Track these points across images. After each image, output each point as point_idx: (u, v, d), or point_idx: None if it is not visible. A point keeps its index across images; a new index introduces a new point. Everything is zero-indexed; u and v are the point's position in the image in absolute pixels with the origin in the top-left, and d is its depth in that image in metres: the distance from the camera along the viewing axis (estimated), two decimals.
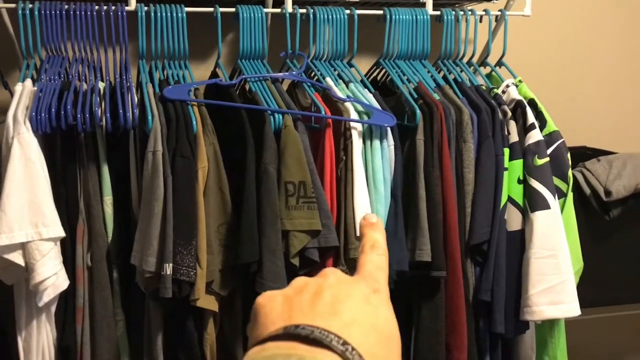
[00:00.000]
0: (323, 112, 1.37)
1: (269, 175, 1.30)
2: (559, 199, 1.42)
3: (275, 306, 0.50)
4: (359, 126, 1.37)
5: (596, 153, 1.93)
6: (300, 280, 0.53)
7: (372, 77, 1.72)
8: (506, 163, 1.42)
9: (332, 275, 0.52)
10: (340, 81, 1.51)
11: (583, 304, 1.83)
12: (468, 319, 1.40)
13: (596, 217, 1.71)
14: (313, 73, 1.56)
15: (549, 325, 1.53)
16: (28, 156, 1.24)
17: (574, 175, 1.71)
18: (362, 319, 0.48)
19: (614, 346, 2.33)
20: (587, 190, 1.68)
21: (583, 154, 2.02)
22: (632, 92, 2.20)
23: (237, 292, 1.38)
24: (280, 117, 1.34)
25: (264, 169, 1.30)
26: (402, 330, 1.41)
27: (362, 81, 1.54)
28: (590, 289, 1.79)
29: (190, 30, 1.50)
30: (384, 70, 1.67)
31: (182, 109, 1.32)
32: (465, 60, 1.67)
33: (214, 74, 1.58)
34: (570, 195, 1.45)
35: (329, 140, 1.36)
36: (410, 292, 1.43)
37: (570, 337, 2.19)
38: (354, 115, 1.38)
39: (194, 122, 1.31)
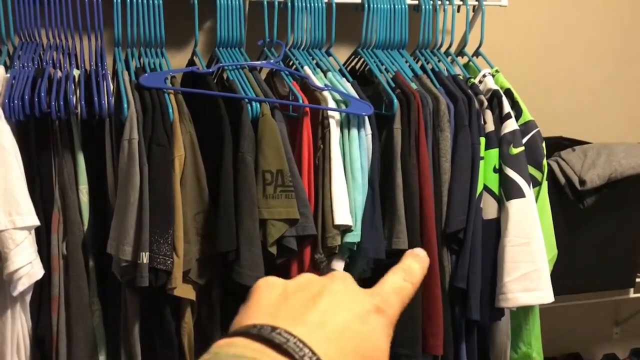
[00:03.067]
0: (301, 101, 1.37)
1: (246, 163, 1.30)
2: (533, 187, 1.44)
3: (270, 296, 0.47)
4: (336, 115, 1.37)
5: (572, 143, 1.96)
6: (305, 277, 0.49)
7: (350, 67, 1.72)
8: (482, 152, 1.43)
9: (340, 281, 0.48)
10: (319, 70, 1.51)
11: (558, 292, 1.86)
12: (444, 306, 1.42)
13: (571, 206, 1.73)
14: (291, 62, 1.55)
15: (523, 313, 1.55)
16: (1, 144, 1.23)
17: (549, 165, 1.73)
18: (348, 338, 0.44)
19: (588, 333, 2.37)
20: (562, 180, 1.70)
21: (559, 144, 2.05)
22: (609, 82, 2.22)
23: (215, 281, 1.38)
24: (258, 105, 1.34)
25: (241, 157, 1.30)
26: None
27: (340, 70, 1.54)
28: (564, 276, 1.82)
29: (168, 17, 1.48)
30: (362, 60, 1.67)
31: (159, 97, 1.31)
32: (443, 50, 1.68)
33: (191, 62, 1.57)
34: (544, 184, 1.47)
35: (306, 129, 1.36)
36: None
37: (545, 324, 2.22)
38: (331, 104, 1.38)
39: (170, 110, 1.30)
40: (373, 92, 1.52)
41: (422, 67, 1.59)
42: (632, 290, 1.95)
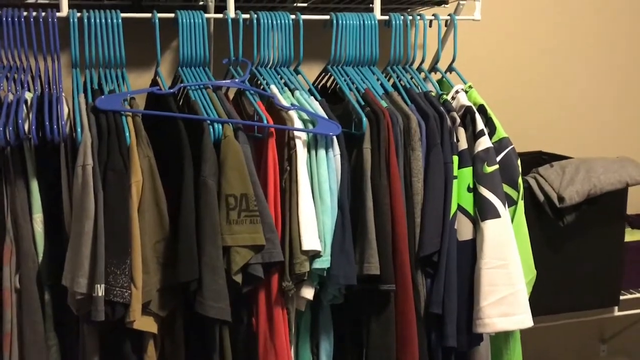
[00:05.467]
0: (265, 121, 1.31)
1: (208, 188, 1.24)
2: (509, 207, 1.39)
3: None
4: (303, 135, 1.32)
5: (552, 158, 1.92)
6: None
7: (321, 84, 1.67)
8: (455, 171, 1.38)
9: None
10: (286, 89, 1.46)
11: (541, 312, 1.81)
12: (420, 333, 1.36)
13: (551, 224, 1.69)
14: (259, 81, 1.50)
15: (504, 336, 1.50)
16: None
17: (527, 182, 1.69)
18: None
19: (574, 352, 2.32)
20: (541, 197, 1.65)
21: (539, 159, 2.01)
22: (587, 95, 2.20)
23: (178, 312, 1.31)
24: (220, 127, 1.28)
25: (202, 181, 1.24)
26: (352, 346, 1.35)
27: (309, 89, 1.49)
28: (547, 296, 1.77)
29: (131, 37, 1.43)
30: (333, 77, 1.61)
31: (115, 120, 1.25)
32: (415, 66, 1.63)
33: (154, 83, 1.51)
34: (520, 203, 1.42)
35: (272, 151, 1.30)
36: (360, 306, 1.38)
37: (529, 344, 2.17)
38: (297, 124, 1.32)
39: (127, 134, 1.24)
40: (343, 110, 1.47)
41: (394, 84, 1.55)
42: (616, 308, 1.90)
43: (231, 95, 1.55)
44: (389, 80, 1.59)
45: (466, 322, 1.38)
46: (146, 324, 1.26)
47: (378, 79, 1.55)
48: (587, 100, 2.19)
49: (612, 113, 2.23)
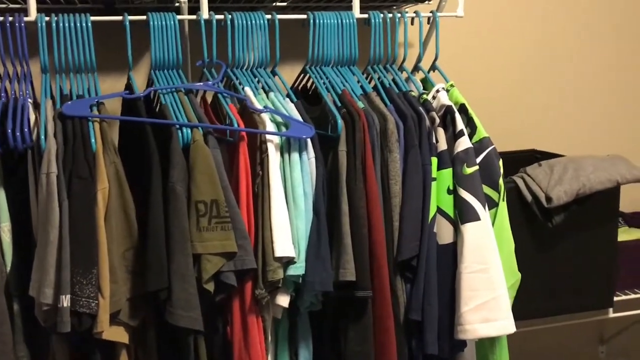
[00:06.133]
0: (236, 125, 1.28)
1: (177, 194, 1.20)
2: (490, 209, 1.34)
3: None
4: (275, 139, 1.28)
5: (546, 156, 1.87)
6: None
7: (302, 85, 1.63)
8: (434, 173, 1.34)
9: None
10: (261, 91, 1.43)
11: (532, 315, 1.77)
12: (400, 340, 1.32)
13: (540, 225, 1.64)
14: (234, 83, 1.46)
15: (489, 342, 1.45)
16: None
17: (514, 182, 1.64)
18: None
19: (572, 354, 2.27)
20: (529, 197, 1.60)
21: (532, 157, 1.96)
22: (581, 91, 2.14)
23: (150, 322, 1.28)
24: (189, 131, 1.25)
25: (170, 188, 1.20)
26: (332, 353, 1.31)
27: (288, 91, 1.46)
28: (538, 298, 1.73)
29: (108, 41, 1.40)
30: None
31: (81, 126, 1.22)
32: (397, 65, 1.59)
33: (128, 86, 1.48)
34: (502, 204, 1.37)
35: (243, 155, 1.27)
36: (338, 313, 1.34)
37: (526, 346, 2.13)
38: (270, 126, 1.29)
39: (93, 140, 1.21)
40: (320, 112, 1.44)
41: (375, 85, 1.51)
42: (611, 310, 1.85)
43: (209, 99, 1.51)
44: (369, 80, 1.55)
45: (448, 328, 1.34)
46: (116, 334, 1.23)
47: (358, 80, 1.52)
48: (580, 97, 2.14)
49: (606, 110, 2.18)
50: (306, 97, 1.58)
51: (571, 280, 1.74)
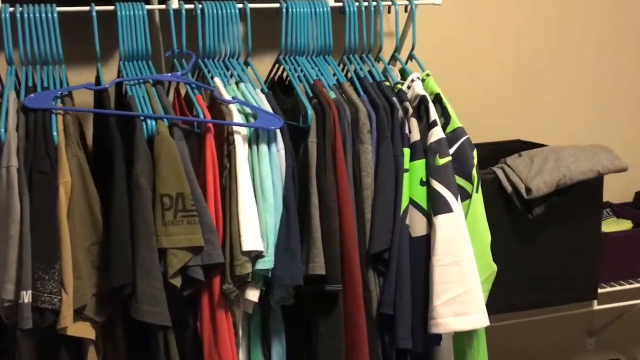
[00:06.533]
0: (202, 116, 1.25)
1: (140, 188, 1.18)
2: (463, 200, 1.32)
3: None
4: (243, 130, 1.26)
5: (531, 147, 1.84)
6: None
7: (277, 76, 1.60)
8: (407, 164, 1.31)
9: None
10: (232, 81, 1.40)
11: (512, 308, 1.75)
12: (372, 335, 1.30)
13: (521, 216, 1.61)
14: (204, 73, 1.44)
15: (467, 335, 1.43)
16: None
17: (494, 172, 1.61)
18: None
19: (560, 346, 2.24)
20: (509, 188, 1.58)
21: (518, 148, 1.93)
22: (564, 80, 2.11)
23: (118, 317, 1.26)
24: (154, 123, 1.22)
25: (134, 181, 1.18)
26: (306, 348, 1.28)
27: (259, 82, 1.43)
28: (522, 291, 1.70)
29: (74, 31, 1.37)
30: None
31: (44, 119, 1.20)
32: (374, 54, 1.56)
33: (98, 78, 1.45)
34: (475, 196, 1.34)
35: (210, 147, 1.24)
36: (310, 307, 1.32)
37: (512, 340, 2.10)
38: (237, 117, 1.26)
39: (55, 133, 1.18)
40: (293, 103, 1.41)
41: (352, 75, 1.48)
42: (595, 302, 1.82)
43: (183, 91, 1.49)
44: (345, 70, 1.52)
45: (422, 322, 1.31)
46: (82, 330, 1.21)
47: (333, 71, 1.49)
48: (567, 87, 2.10)
49: (593, 99, 2.14)
50: (281, 88, 1.55)
51: (555, 272, 1.72)
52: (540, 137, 1.95)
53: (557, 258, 1.70)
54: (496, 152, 1.77)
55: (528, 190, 1.53)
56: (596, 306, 1.83)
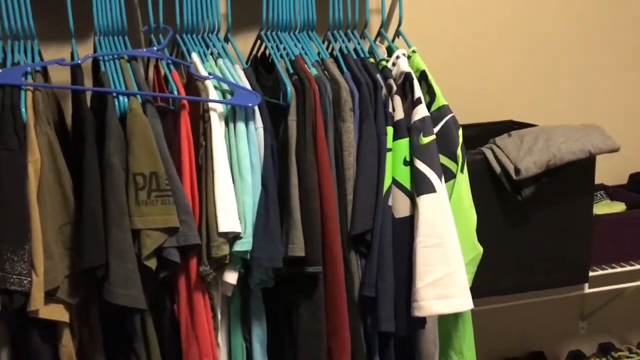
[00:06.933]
0: (176, 92, 1.21)
1: (112, 167, 1.14)
2: (447, 180, 1.28)
3: None
4: (219, 107, 1.22)
5: (523, 127, 1.80)
6: None
7: (261, 53, 1.55)
8: (390, 143, 1.27)
9: None
10: (210, 57, 1.35)
11: (501, 291, 1.72)
12: (354, 317, 1.27)
13: (511, 198, 1.57)
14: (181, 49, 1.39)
15: (453, 318, 1.40)
16: None
17: (482, 153, 1.57)
18: None
19: (552, 329, 2.22)
20: (497, 169, 1.53)
21: (509, 128, 1.89)
22: (558, 59, 2.05)
23: (93, 299, 1.23)
24: (126, 99, 1.18)
25: (106, 160, 1.14)
26: (287, 332, 1.25)
27: (239, 59, 1.39)
28: (508, 274, 1.67)
29: (51, 8, 1.32)
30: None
31: (12, 95, 1.15)
32: (360, 31, 1.51)
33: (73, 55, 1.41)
34: (460, 176, 1.30)
35: (184, 124, 1.20)
36: (291, 290, 1.29)
37: (503, 322, 2.08)
38: (213, 94, 1.22)
39: (23, 110, 1.14)
40: (274, 80, 1.37)
41: (338, 52, 1.43)
42: (586, 285, 1.79)
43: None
44: (329, 48, 1.48)
45: (405, 305, 1.28)
46: (54, 313, 1.18)
47: (317, 47, 1.44)
48: (560, 65, 2.05)
49: (588, 78, 2.09)
50: (265, 65, 1.50)
51: (545, 255, 1.68)
52: (533, 117, 1.90)
53: (547, 240, 1.66)
54: (487, 133, 1.72)
55: (517, 170, 1.49)
56: (587, 289, 1.80)
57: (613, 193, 2.05)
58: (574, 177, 1.63)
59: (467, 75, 1.90)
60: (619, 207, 1.99)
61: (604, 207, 1.97)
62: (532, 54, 2.01)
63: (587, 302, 2.21)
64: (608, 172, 1.99)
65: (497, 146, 1.56)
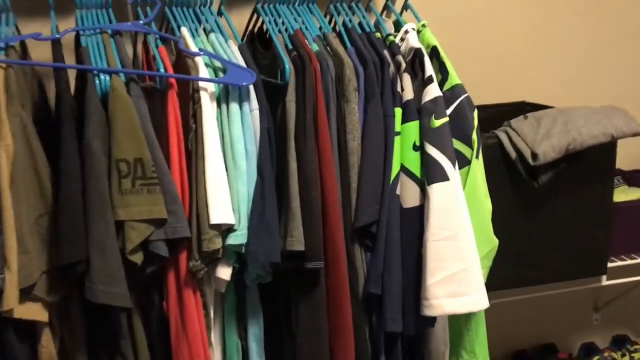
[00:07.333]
0: (162, 70, 1.10)
1: (93, 152, 1.04)
2: (461, 167, 1.17)
3: None
4: (210, 86, 1.11)
5: (537, 109, 1.69)
6: None
7: (257, 28, 1.44)
8: (398, 126, 1.17)
9: None
10: (202, 32, 1.24)
11: (515, 284, 1.62)
12: (358, 316, 1.17)
13: (525, 185, 1.47)
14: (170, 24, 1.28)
15: (464, 316, 1.30)
16: None
17: (497, 136, 1.46)
18: None
19: (565, 321, 2.13)
20: (513, 153, 1.43)
21: (522, 110, 1.78)
22: (575, 36, 1.94)
23: (73, 296, 1.13)
24: (108, 78, 1.07)
25: (86, 145, 1.04)
26: (286, 330, 1.15)
27: (242, 34, 1.28)
28: (522, 266, 1.57)
29: None
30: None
31: None
32: (365, 3, 1.40)
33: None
34: (475, 162, 1.20)
35: (172, 106, 1.10)
36: (290, 285, 1.19)
37: (515, 314, 1.99)
38: (203, 72, 1.11)
39: None
40: (271, 58, 1.26)
41: (342, 25, 1.31)
42: (604, 277, 1.69)
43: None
44: (332, 22, 1.36)
45: (414, 303, 1.18)
46: (32, 312, 1.08)
47: (318, 22, 1.33)
48: (577, 44, 1.94)
49: (605, 58, 1.97)
50: (262, 41, 1.39)
51: (561, 245, 1.58)
52: (548, 99, 1.79)
53: (564, 230, 1.56)
54: (498, 115, 1.61)
55: (534, 155, 1.38)
56: (605, 281, 1.70)
57: (630, 178, 1.94)
58: (593, 162, 1.53)
59: (475, 51, 1.79)
60: (636, 193, 1.89)
61: (620, 194, 1.86)
62: (547, 27, 1.89)
63: (601, 294, 2.12)
64: (624, 155, 1.89)
65: (512, 129, 1.45)
